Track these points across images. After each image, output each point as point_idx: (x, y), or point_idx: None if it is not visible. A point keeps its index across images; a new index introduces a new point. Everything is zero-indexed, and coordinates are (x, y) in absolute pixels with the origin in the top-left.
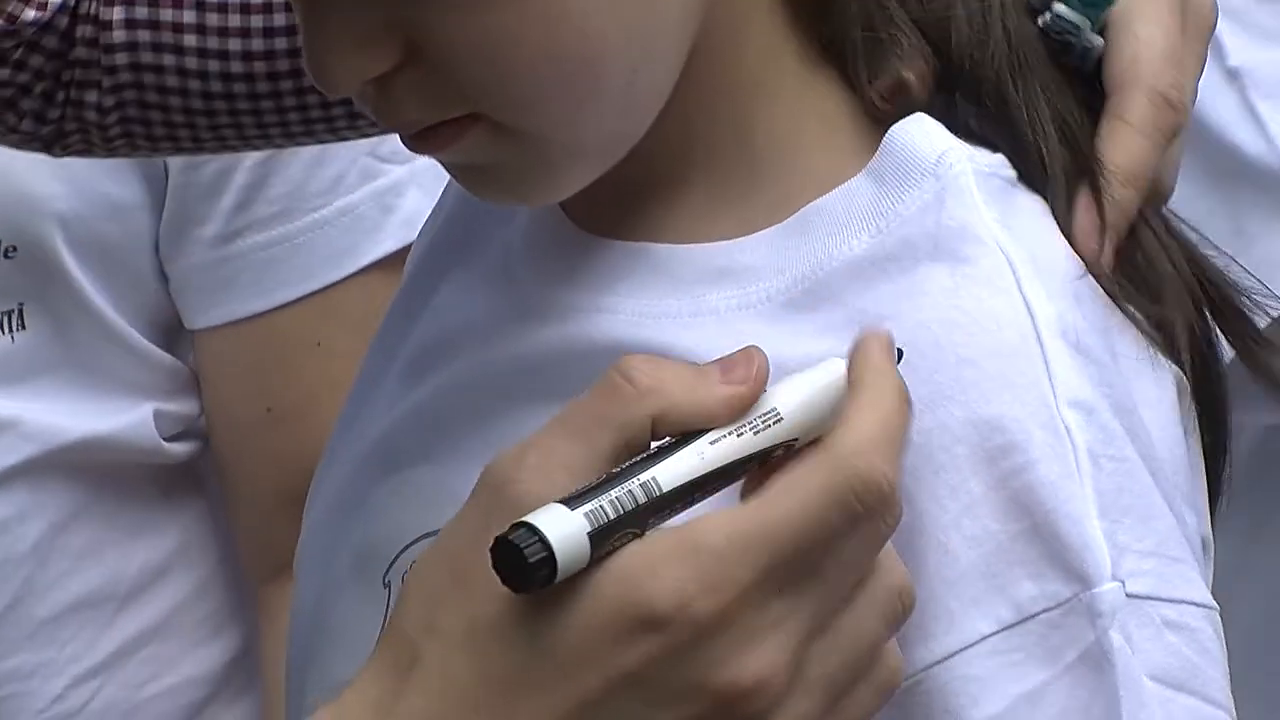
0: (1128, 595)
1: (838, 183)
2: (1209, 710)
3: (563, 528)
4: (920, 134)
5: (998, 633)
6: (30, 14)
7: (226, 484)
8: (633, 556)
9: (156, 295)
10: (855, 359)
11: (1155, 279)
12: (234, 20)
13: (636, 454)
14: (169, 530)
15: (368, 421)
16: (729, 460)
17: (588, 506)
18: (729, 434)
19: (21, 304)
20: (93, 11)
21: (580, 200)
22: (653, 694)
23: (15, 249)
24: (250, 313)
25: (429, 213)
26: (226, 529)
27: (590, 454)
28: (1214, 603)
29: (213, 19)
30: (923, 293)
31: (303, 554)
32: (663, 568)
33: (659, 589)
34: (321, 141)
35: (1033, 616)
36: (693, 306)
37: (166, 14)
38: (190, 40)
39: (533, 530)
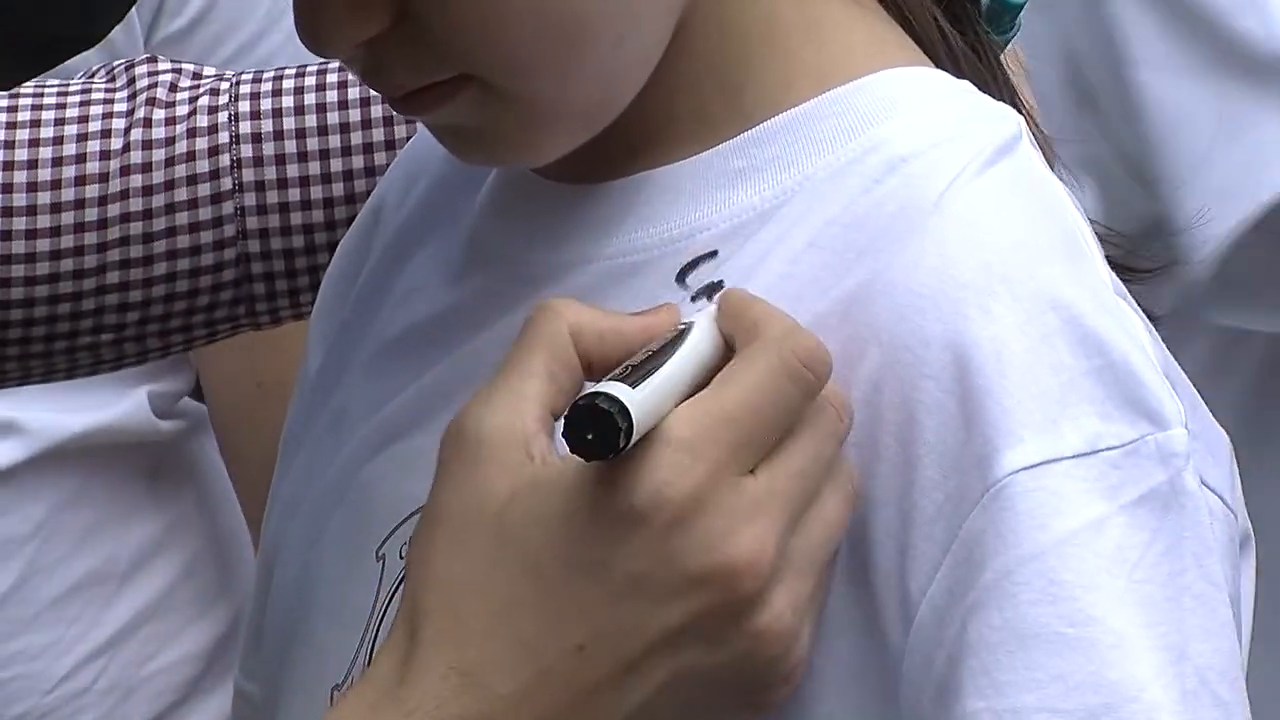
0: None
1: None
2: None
3: (633, 396)
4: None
5: (1070, 458)
6: None
7: (228, 458)
8: (610, 461)
9: None
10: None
11: None
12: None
13: (568, 366)
14: (161, 508)
15: (341, 406)
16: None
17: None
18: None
19: None
20: None
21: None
22: (652, 591)
23: None
24: None
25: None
26: (214, 509)
27: (524, 377)
28: (1238, 510)
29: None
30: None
31: (279, 531)
32: (635, 464)
33: (634, 484)
34: (121, 366)
35: (1095, 452)
36: (726, 211)
37: None
38: None
39: (611, 398)
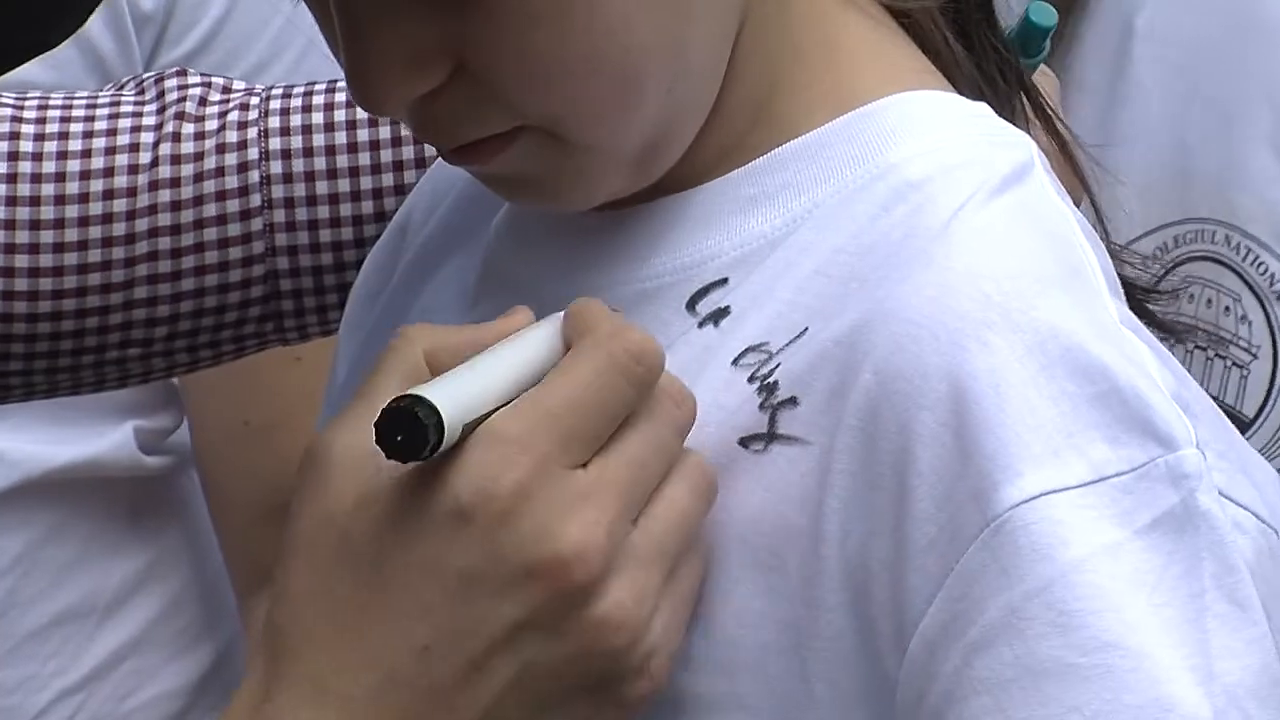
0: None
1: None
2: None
3: (440, 394)
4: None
5: (1075, 488)
6: None
7: (209, 496)
8: (441, 458)
9: None
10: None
11: None
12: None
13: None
14: (145, 544)
15: None
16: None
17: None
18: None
19: None
20: None
21: None
22: (487, 586)
23: None
24: None
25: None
26: (198, 546)
27: (375, 398)
28: (1275, 525)
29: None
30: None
31: None
32: (461, 462)
33: (461, 480)
34: (150, 378)
35: (1103, 479)
36: (737, 239)
37: None
38: None
39: (416, 398)
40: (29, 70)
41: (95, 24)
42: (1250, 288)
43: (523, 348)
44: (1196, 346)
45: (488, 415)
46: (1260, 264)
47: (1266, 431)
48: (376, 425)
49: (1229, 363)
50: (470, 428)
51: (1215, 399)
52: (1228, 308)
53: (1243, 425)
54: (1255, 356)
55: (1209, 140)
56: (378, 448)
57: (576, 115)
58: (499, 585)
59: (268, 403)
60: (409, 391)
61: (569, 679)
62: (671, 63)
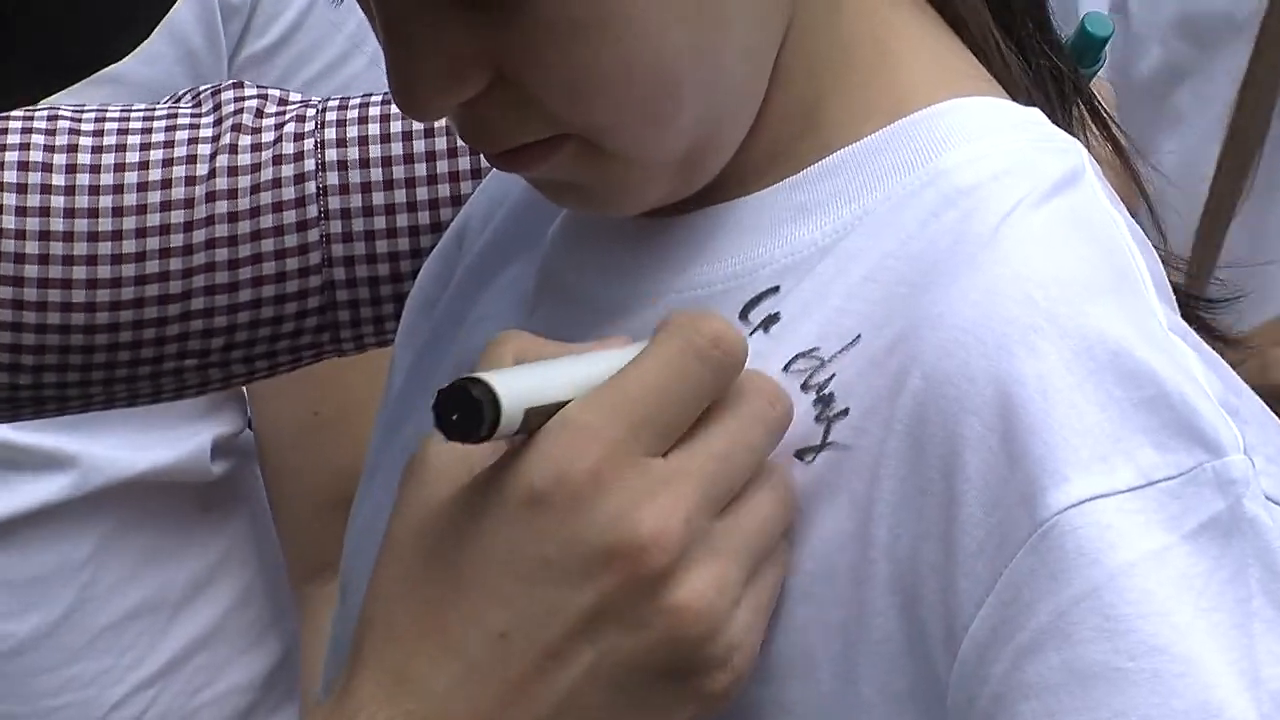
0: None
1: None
2: None
3: (499, 377)
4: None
5: (1123, 493)
6: None
7: (272, 488)
8: (515, 446)
9: None
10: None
11: None
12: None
13: None
14: (213, 541)
15: (417, 429)
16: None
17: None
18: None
19: None
20: None
21: None
22: (562, 572)
23: None
24: None
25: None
26: (264, 541)
27: None
28: None
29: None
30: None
31: (354, 553)
32: (537, 448)
33: (535, 466)
34: (206, 389)
35: (1152, 484)
36: (788, 246)
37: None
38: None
39: (474, 380)
40: (124, 65)
41: (186, 18)
42: None
43: (602, 354)
44: None
45: (562, 405)
46: None
47: None
48: (434, 405)
49: None
50: (544, 419)
51: None
52: None
53: None
54: None
55: None
56: (439, 432)
57: (613, 125)
58: (575, 571)
59: (336, 395)
60: (468, 375)
61: (648, 669)
62: (708, 73)
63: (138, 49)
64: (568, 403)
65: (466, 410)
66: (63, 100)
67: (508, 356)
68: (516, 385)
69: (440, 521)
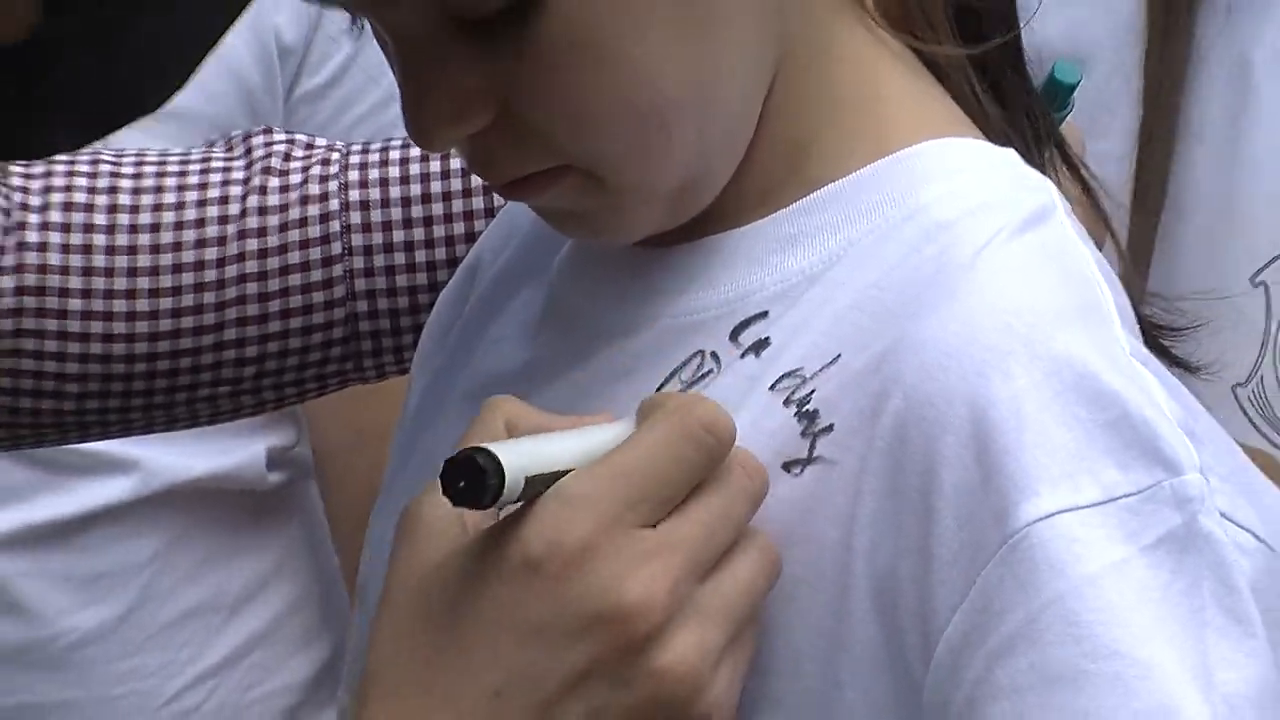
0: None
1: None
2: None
3: (504, 447)
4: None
5: (1087, 508)
6: None
7: (327, 500)
8: (514, 513)
9: None
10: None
11: None
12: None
13: None
14: (269, 549)
15: (430, 449)
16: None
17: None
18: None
19: None
20: None
21: None
22: (555, 635)
23: None
24: None
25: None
26: (317, 552)
27: None
28: (1275, 546)
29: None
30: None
31: (369, 570)
32: (535, 516)
33: (532, 534)
34: (238, 416)
35: (1113, 500)
36: (777, 275)
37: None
38: (75, 305)
39: (481, 449)
40: (186, 99)
41: (245, 59)
42: None
43: (596, 429)
44: None
45: (559, 475)
46: None
47: None
48: (442, 474)
49: None
50: (541, 488)
51: None
52: None
53: None
54: None
55: None
56: (446, 499)
57: (611, 158)
58: (566, 634)
59: (376, 415)
60: (473, 444)
61: None
62: (701, 111)
63: (196, 89)
64: (565, 473)
65: (473, 478)
66: (129, 134)
67: (499, 421)
68: (519, 456)
69: (437, 582)
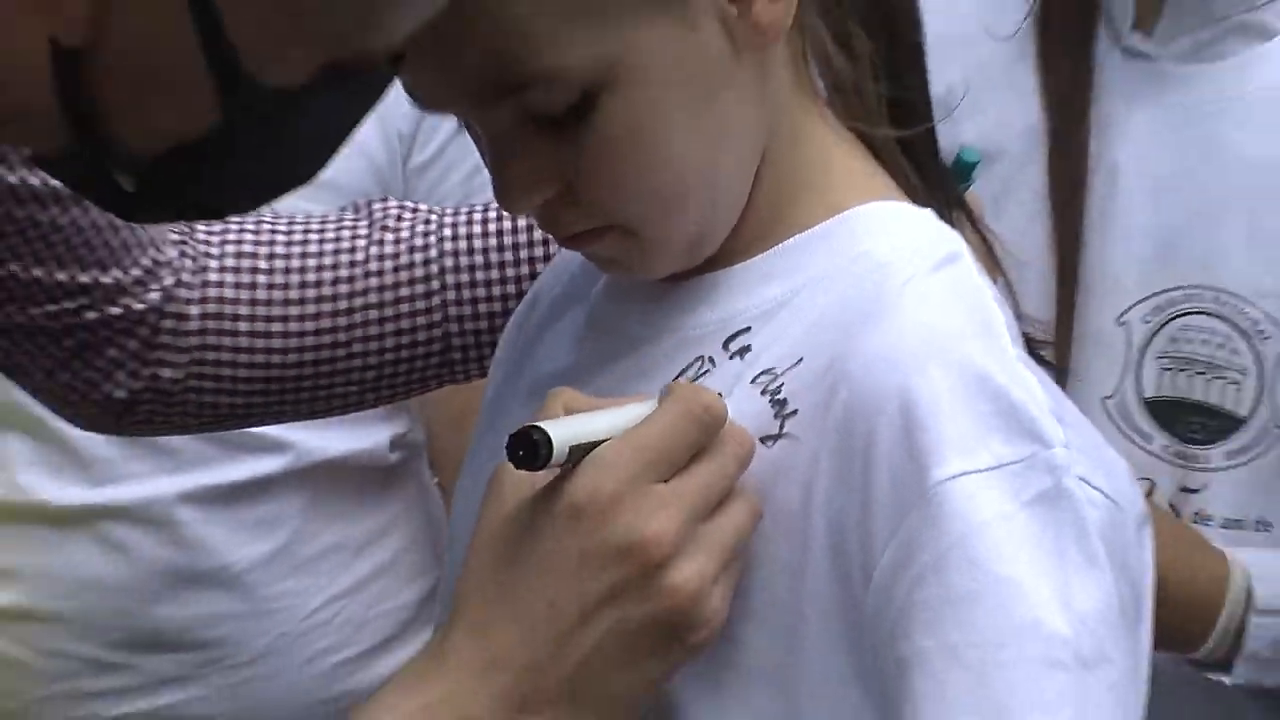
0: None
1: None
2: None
3: (553, 426)
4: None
5: (983, 471)
6: (137, 305)
7: (437, 468)
8: (561, 474)
9: None
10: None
11: None
12: (281, 312)
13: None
14: (386, 507)
15: (502, 429)
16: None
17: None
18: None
19: None
20: (178, 310)
21: None
22: (594, 561)
23: None
24: None
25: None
26: (428, 507)
27: None
28: (1122, 502)
29: (262, 311)
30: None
31: (455, 525)
32: (577, 476)
33: (576, 489)
34: (362, 408)
35: (1003, 465)
36: (757, 300)
37: (228, 308)
38: (243, 327)
39: (536, 428)
40: (329, 173)
41: (373, 142)
42: (1237, 329)
43: (627, 407)
44: (1197, 373)
45: (596, 444)
46: (1243, 312)
47: (1254, 427)
48: (506, 445)
49: (1226, 381)
50: (582, 455)
51: (1217, 406)
52: (1220, 344)
53: (1238, 422)
54: (1245, 376)
55: (1193, 238)
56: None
57: (644, 219)
58: (600, 562)
59: (467, 406)
60: (530, 423)
61: (650, 629)
62: (711, 184)
63: (335, 165)
64: (600, 443)
65: (529, 448)
66: (285, 198)
67: (558, 405)
68: (564, 430)
69: (508, 528)
